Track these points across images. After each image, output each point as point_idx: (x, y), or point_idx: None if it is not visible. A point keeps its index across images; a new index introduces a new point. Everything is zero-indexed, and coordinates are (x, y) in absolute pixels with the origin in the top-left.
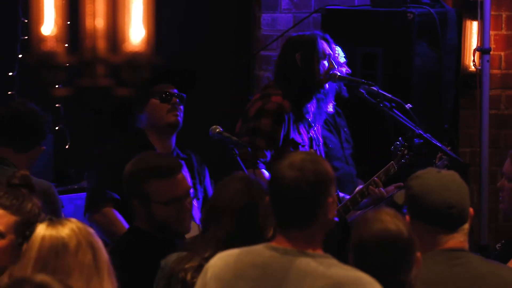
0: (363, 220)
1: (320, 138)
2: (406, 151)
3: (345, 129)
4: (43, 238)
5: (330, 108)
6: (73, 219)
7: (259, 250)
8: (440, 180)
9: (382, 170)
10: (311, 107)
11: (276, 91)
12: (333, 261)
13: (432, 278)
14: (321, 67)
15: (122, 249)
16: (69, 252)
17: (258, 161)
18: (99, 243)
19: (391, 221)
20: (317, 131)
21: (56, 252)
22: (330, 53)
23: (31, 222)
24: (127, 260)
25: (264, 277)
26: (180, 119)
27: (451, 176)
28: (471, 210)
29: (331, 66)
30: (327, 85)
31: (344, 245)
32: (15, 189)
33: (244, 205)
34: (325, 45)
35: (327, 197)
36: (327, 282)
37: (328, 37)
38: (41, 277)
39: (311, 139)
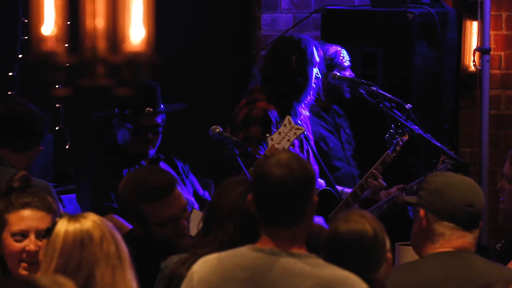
0: (333, 220)
1: (311, 136)
2: (399, 138)
3: (347, 130)
4: (66, 232)
5: (306, 112)
6: (91, 214)
7: (244, 252)
8: (461, 180)
9: (379, 161)
10: (298, 109)
11: (261, 96)
12: (319, 261)
13: (435, 279)
14: (312, 74)
15: None
16: (95, 243)
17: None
18: (119, 236)
19: (357, 220)
20: (306, 128)
21: (81, 243)
22: (318, 61)
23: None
24: None
25: (253, 278)
26: (152, 150)
27: (471, 180)
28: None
29: (317, 76)
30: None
31: None
32: (34, 191)
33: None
34: (316, 53)
35: (313, 194)
36: (315, 281)
37: (318, 44)
38: (46, 281)
39: (300, 140)
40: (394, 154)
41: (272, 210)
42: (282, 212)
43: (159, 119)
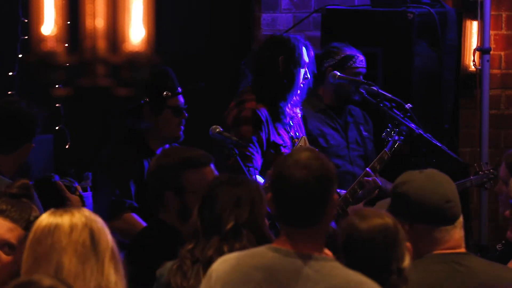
0: (348, 221)
1: (302, 133)
2: (397, 137)
3: (364, 133)
4: (40, 222)
5: (298, 111)
6: (82, 209)
7: (262, 252)
8: (428, 178)
9: (376, 159)
10: (287, 109)
11: (250, 96)
12: (335, 264)
13: (435, 279)
14: (299, 75)
15: (145, 242)
16: (62, 231)
17: (251, 169)
18: (102, 229)
19: (375, 215)
20: (298, 128)
21: (49, 230)
22: (307, 62)
23: None
24: (150, 252)
25: (268, 280)
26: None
27: (435, 173)
28: None
29: (305, 76)
30: (298, 91)
31: None
32: (19, 200)
33: (206, 195)
34: (305, 53)
35: (333, 193)
36: (328, 285)
37: (309, 45)
38: (49, 281)
39: (292, 138)
40: (390, 153)
41: (292, 211)
42: (302, 213)
43: (183, 100)
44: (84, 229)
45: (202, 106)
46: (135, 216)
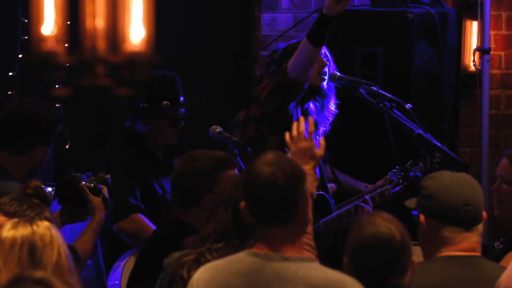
0: (357, 224)
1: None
2: (401, 181)
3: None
4: None
5: (332, 107)
6: (23, 223)
7: (241, 258)
8: (455, 179)
9: (378, 191)
10: (312, 108)
11: None
12: (314, 265)
13: (445, 282)
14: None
15: (170, 241)
16: (2, 248)
17: None
18: (48, 243)
19: (384, 224)
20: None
21: None
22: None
23: None
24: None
25: (248, 285)
26: (177, 139)
27: (466, 176)
28: (484, 213)
29: (322, 64)
30: (324, 85)
31: (334, 252)
32: (30, 201)
33: (239, 197)
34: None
35: (304, 190)
36: (307, 286)
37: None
38: (40, 274)
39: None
40: (392, 192)
41: (265, 209)
42: (275, 209)
43: (183, 110)
44: (24, 245)
45: (202, 106)
46: (142, 217)
